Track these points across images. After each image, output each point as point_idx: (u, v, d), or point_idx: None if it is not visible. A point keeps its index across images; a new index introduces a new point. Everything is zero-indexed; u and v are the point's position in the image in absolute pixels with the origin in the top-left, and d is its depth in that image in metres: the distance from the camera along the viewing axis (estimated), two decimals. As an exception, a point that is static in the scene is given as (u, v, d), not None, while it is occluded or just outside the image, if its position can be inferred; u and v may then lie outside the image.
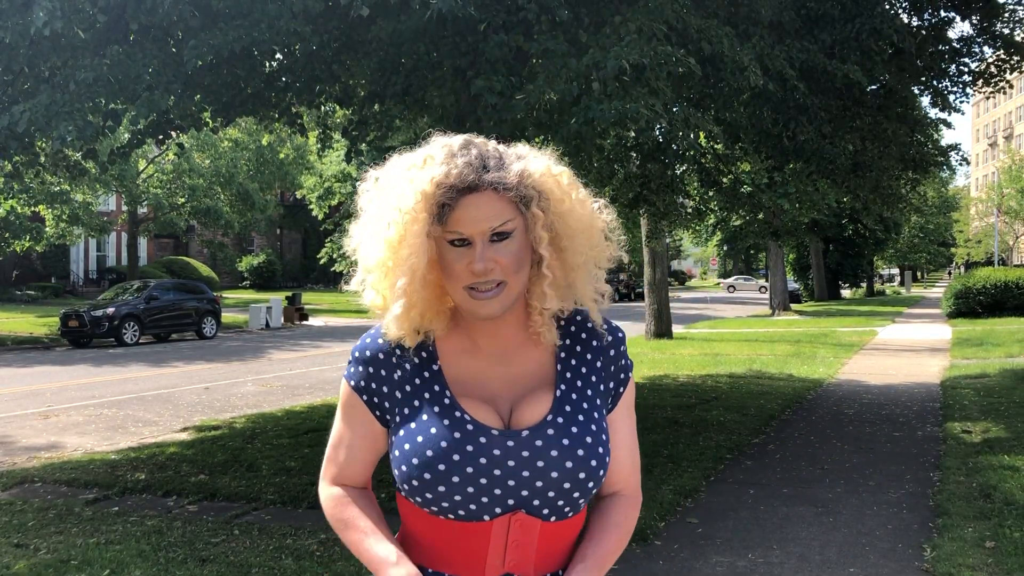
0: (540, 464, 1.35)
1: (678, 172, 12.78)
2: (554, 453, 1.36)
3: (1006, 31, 10.94)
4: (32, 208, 28.63)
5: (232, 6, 6.07)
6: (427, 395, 1.40)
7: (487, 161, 1.36)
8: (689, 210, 15.22)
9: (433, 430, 1.36)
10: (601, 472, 1.39)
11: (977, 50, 10.96)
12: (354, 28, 7.33)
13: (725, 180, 13.15)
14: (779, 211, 24.90)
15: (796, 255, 45.86)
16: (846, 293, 53.34)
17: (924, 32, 10.23)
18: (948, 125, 12.27)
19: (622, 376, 1.50)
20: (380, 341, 1.43)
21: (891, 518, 5.63)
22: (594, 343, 1.47)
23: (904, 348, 18.05)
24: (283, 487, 6.48)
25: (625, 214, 15.86)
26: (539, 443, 1.36)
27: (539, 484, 1.35)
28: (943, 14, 10.49)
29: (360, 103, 9.55)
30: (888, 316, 29.77)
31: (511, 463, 1.35)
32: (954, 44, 10.74)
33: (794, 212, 25.46)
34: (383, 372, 1.43)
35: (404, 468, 1.37)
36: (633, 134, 10.15)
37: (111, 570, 4.68)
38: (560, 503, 1.37)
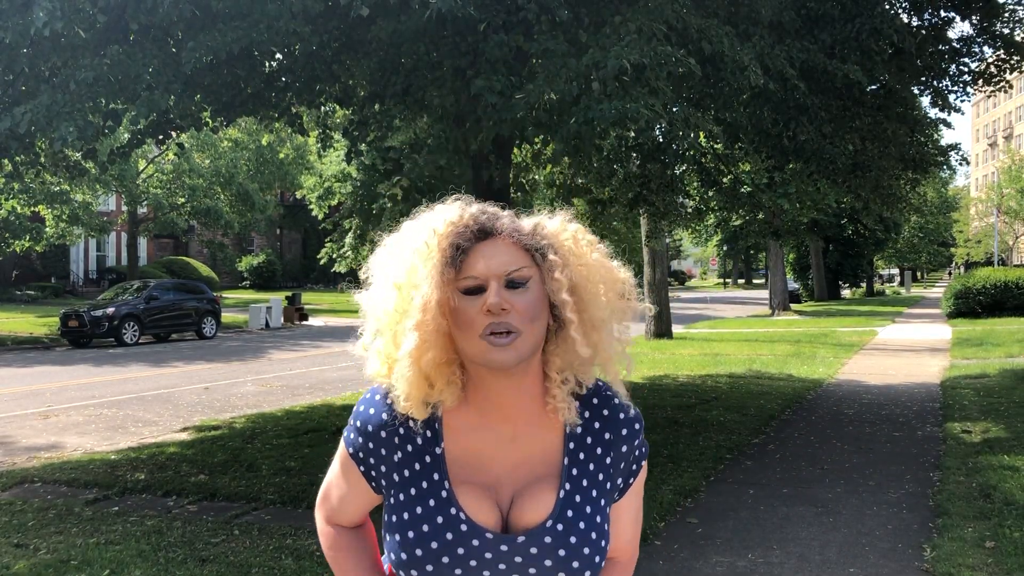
0: (532, 572, 1.32)
1: (678, 172, 12.79)
2: (548, 563, 1.32)
3: (1006, 31, 10.95)
4: (32, 208, 28.64)
5: (232, 6, 6.07)
6: (425, 484, 1.34)
7: (500, 215, 1.34)
8: (689, 210, 15.24)
9: (425, 527, 1.32)
10: None
11: (977, 50, 10.97)
12: (354, 28, 7.33)
13: (725, 180, 13.17)
14: (779, 211, 24.99)
15: (796, 255, 45.88)
16: (846, 293, 53.33)
17: (924, 32, 10.23)
18: (948, 125, 12.28)
19: (634, 467, 1.44)
20: (384, 416, 1.36)
21: (891, 518, 5.63)
22: (607, 436, 1.39)
23: (904, 348, 18.05)
24: (283, 487, 6.48)
25: (625, 214, 15.89)
26: (534, 551, 1.32)
27: None
28: (943, 14, 10.50)
29: (360, 103, 9.56)
30: (888, 316, 29.77)
31: (502, 567, 1.32)
32: (954, 44, 10.75)
33: (794, 212, 25.56)
34: (383, 451, 1.37)
35: (393, 557, 1.35)
36: (633, 134, 10.15)
37: (111, 570, 4.68)
38: None
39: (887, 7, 9.46)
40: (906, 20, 10.14)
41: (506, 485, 1.36)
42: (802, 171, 10.70)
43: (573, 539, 1.33)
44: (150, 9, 5.89)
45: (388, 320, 1.31)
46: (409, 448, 1.36)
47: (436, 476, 1.35)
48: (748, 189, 14.42)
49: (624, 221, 19.69)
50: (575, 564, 1.32)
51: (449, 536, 1.31)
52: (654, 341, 20.14)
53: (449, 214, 1.31)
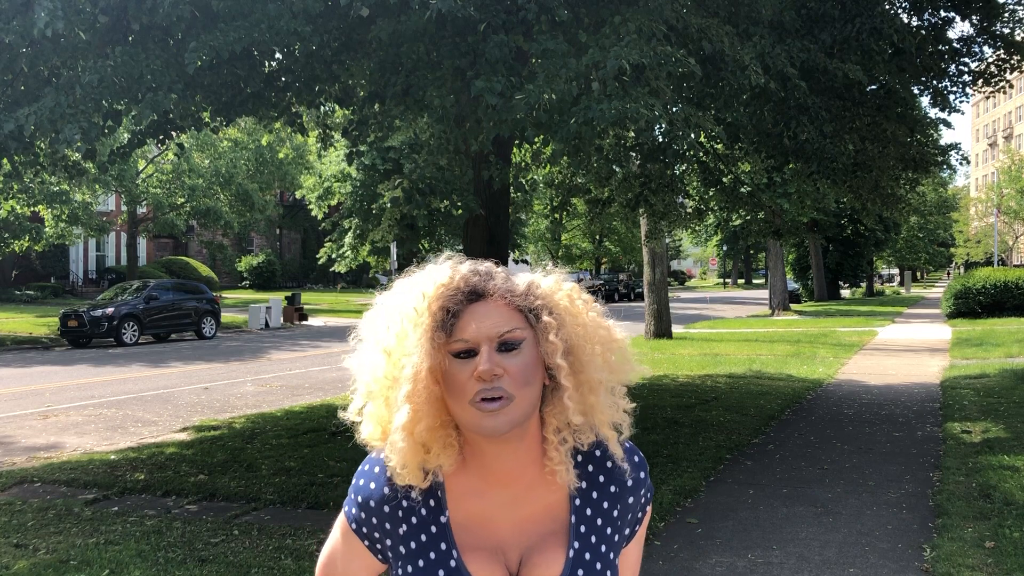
0: None
1: (678, 172, 12.79)
2: None
3: (1006, 31, 10.96)
4: (32, 208, 28.64)
5: (232, 6, 6.07)
6: (433, 555, 1.32)
7: (493, 273, 1.31)
8: (689, 210, 15.25)
9: None
10: None
11: (977, 50, 10.98)
12: (354, 28, 7.33)
13: (725, 180, 13.17)
14: (779, 211, 25.01)
15: (796, 255, 45.89)
16: (846, 293, 53.35)
17: (924, 32, 10.24)
18: (948, 125, 12.31)
19: (640, 515, 1.43)
20: (385, 490, 1.33)
21: (891, 518, 5.63)
22: (612, 488, 1.37)
23: (904, 348, 18.05)
24: (282, 487, 6.48)
25: (625, 214, 15.89)
26: None
27: None
28: (943, 14, 10.51)
29: (360, 103, 9.55)
30: (888, 316, 29.78)
31: None
32: (954, 44, 10.75)
33: (794, 212, 25.56)
34: (387, 525, 1.34)
35: None
36: (633, 134, 10.15)
37: (110, 570, 4.68)
38: None
39: (887, 7, 9.47)
40: (906, 20, 10.14)
41: (513, 546, 1.34)
42: (802, 171, 10.70)
43: None
44: (151, 9, 5.89)
45: (379, 387, 1.29)
46: (414, 520, 1.33)
47: (443, 546, 1.32)
48: (748, 189, 14.43)
49: (624, 221, 19.72)
50: None
51: None
52: (654, 341, 20.14)
53: (439, 276, 1.28)
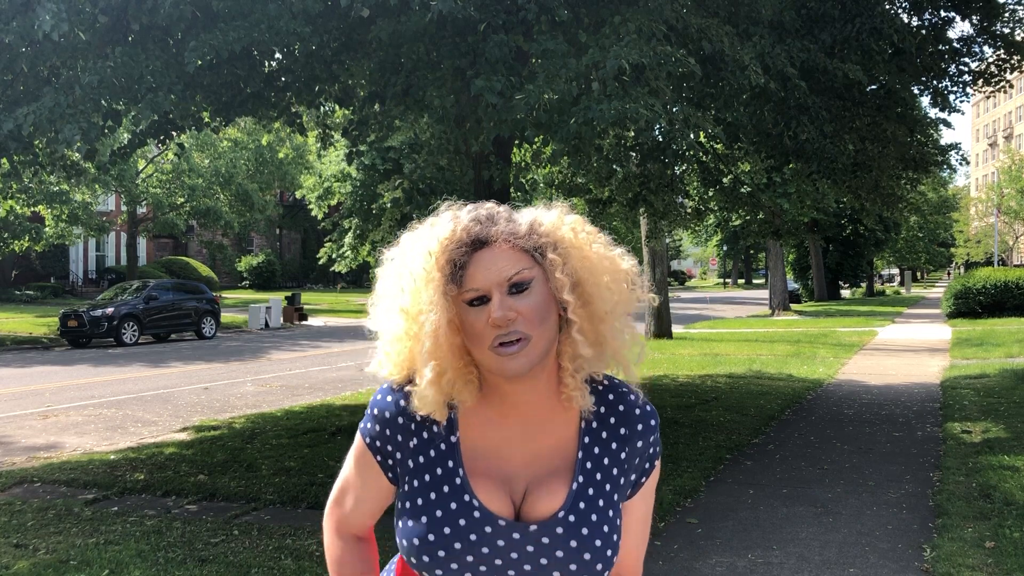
0: (543, 562, 1.33)
1: (678, 172, 12.79)
2: (559, 553, 1.33)
3: (1006, 31, 10.96)
4: (31, 208, 28.63)
5: (232, 6, 6.07)
6: (439, 471, 1.36)
7: (495, 217, 1.34)
8: (689, 210, 15.24)
9: (438, 512, 1.33)
10: (606, 573, 1.36)
11: (977, 50, 10.99)
12: (354, 28, 7.33)
13: (725, 180, 13.17)
14: (779, 211, 25.00)
15: (796, 255, 45.90)
16: (846, 293, 53.36)
17: (924, 32, 10.24)
18: (948, 125, 12.31)
19: (647, 466, 1.43)
20: (401, 403, 1.38)
21: (891, 518, 5.63)
22: (622, 431, 1.39)
23: (904, 348, 18.05)
24: (282, 487, 6.48)
25: (625, 214, 15.90)
26: (546, 540, 1.33)
27: None
28: (943, 14, 10.51)
29: (360, 103, 9.56)
30: (888, 316, 29.78)
31: (514, 555, 1.33)
32: (954, 44, 10.75)
33: (794, 212, 25.54)
34: (399, 437, 1.39)
35: (405, 543, 1.35)
36: (633, 134, 10.15)
37: (110, 570, 4.68)
38: None
39: (887, 7, 9.47)
40: (906, 20, 10.15)
41: (520, 479, 1.37)
42: (802, 171, 10.70)
43: (585, 530, 1.34)
44: (151, 9, 5.89)
45: (400, 343, 1.34)
46: (425, 435, 1.38)
47: (451, 463, 1.36)
48: (748, 189, 14.43)
49: (624, 221, 19.71)
50: (586, 556, 1.33)
51: (462, 522, 1.33)
52: (654, 341, 20.14)
53: (442, 230, 1.31)
